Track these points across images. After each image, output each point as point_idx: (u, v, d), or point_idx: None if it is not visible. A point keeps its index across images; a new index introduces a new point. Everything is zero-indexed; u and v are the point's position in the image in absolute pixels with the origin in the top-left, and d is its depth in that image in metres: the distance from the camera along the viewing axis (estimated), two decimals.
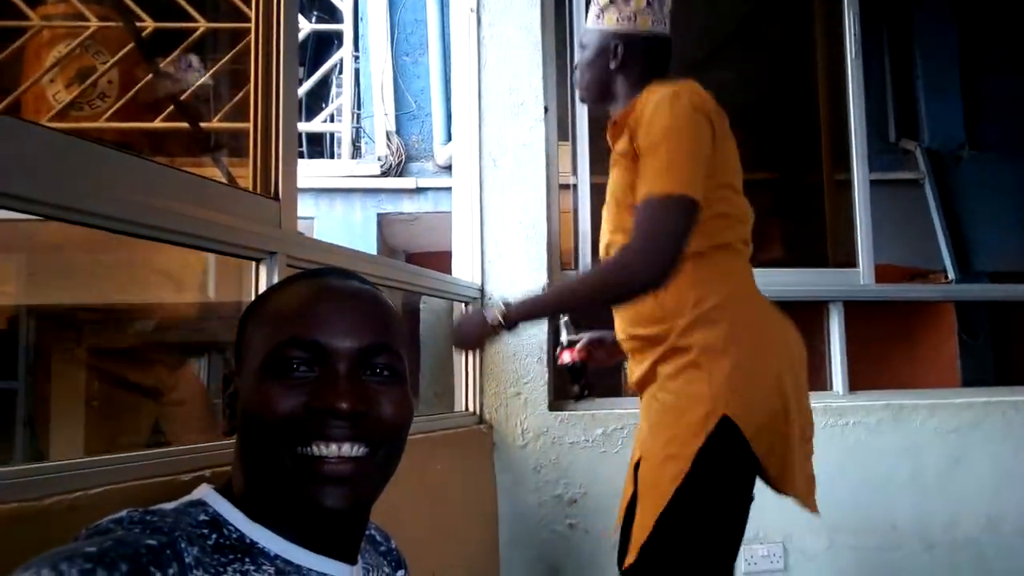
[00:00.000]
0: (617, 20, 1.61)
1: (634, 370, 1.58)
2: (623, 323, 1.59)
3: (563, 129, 2.50)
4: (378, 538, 0.90)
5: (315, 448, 0.68)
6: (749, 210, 1.59)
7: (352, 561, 0.76)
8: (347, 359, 0.71)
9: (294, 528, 0.70)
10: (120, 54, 2.58)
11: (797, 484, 1.47)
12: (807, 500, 1.51)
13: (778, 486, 1.47)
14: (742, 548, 2.17)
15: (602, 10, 1.63)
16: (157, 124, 2.60)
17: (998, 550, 2.37)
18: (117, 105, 2.69)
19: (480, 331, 1.58)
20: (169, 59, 2.37)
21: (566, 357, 1.85)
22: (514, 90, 2.34)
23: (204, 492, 0.72)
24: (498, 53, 2.35)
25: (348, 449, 0.69)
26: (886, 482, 2.36)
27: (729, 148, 1.55)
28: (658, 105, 1.47)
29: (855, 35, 2.74)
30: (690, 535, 1.41)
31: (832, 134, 3.08)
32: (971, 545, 2.37)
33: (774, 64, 3.58)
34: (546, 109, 2.35)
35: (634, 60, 1.61)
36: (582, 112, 2.49)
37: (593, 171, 2.48)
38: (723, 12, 3.68)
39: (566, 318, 1.86)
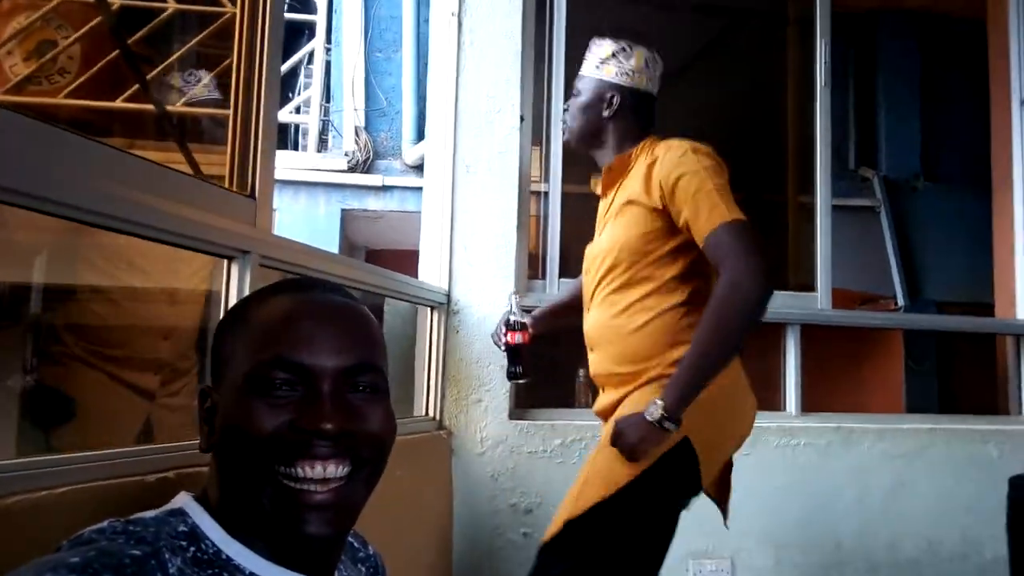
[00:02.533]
0: (616, 73, 1.71)
1: (604, 400, 1.66)
2: (603, 359, 1.64)
3: (535, 135, 2.50)
4: (355, 544, 0.89)
5: (299, 469, 0.67)
6: None
7: (328, 574, 0.75)
8: (332, 379, 0.70)
9: (270, 545, 0.69)
10: (83, 29, 2.50)
11: (726, 499, 1.66)
12: (724, 505, 1.66)
13: (717, 501, 1.66)
14: (691, 562, 2.25)
15: (603, 61, 1.73)
16: (120, 104, 2.53)
17: (938, 572, 2.45)
18: (78, 82, 2.61)
19: (648, 435, 1.45)
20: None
21: (516, 339, 1.88)
22: (491, 97, 2.34)
23: (183, 501, 0.71)
24: (477, 59, 2.34)
25: (333, 469, 0.68)
26: (833, 502, 2.42)
27: None
28: (684, 155, 1.56)
29: (825, 64, 2.80)
30: (621, 531, 1.48)
31: (797, 159, 3.15)
32: (912, 567, 2.43)
33: (743, 84, 3.63)
34: (522, 118, 2.36)
35: (626, 112, 1.71)
36: (557, 121, 2.49)
37: (565, 180, 2.49)
38: (695, 28, 3.73)
39: (515, 297, 1.90)
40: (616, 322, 1.61)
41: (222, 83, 2.35)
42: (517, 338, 1.89)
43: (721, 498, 1.66)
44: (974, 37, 3.40)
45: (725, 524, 1.67)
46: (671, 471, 1.48)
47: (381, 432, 0.73)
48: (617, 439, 1.47)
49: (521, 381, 1.91)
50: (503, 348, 1.92)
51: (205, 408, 0.75)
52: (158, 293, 2.06)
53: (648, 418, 1.43)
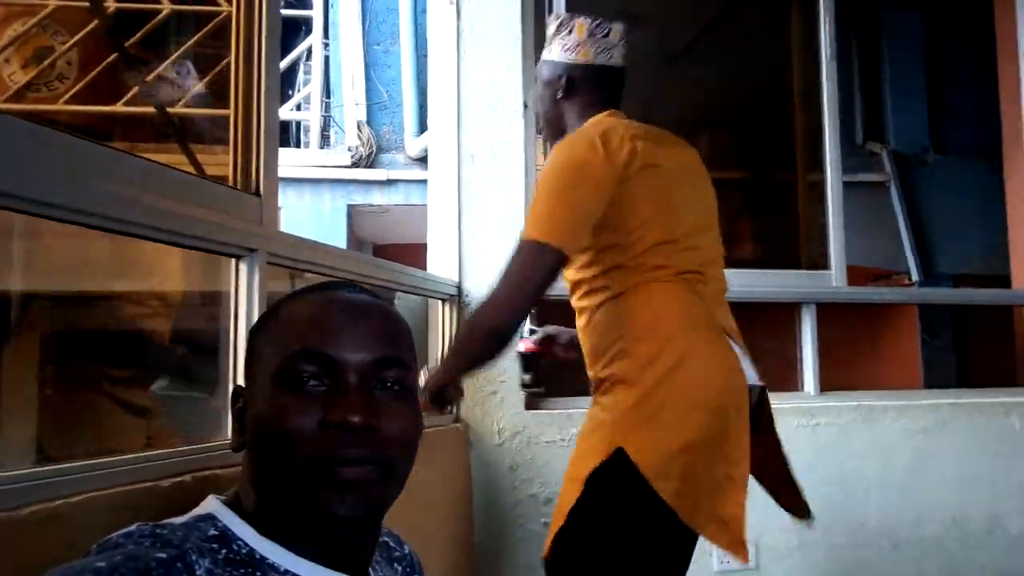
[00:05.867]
0: (561, 51, 1.63)
1: None
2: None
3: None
4: (391, 543, 0.89)
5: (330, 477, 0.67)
6: (703, 236, 1.57)
7: (363, 573, 0.75)
8: (358, 372, 0.70)
9: (305, 543, 0.69)
10: (80, 35, 2.49)
11: (708, 525, 1.39)
12: (726, 542, 1.40)
13: (690, 524, 1.38)
14: (713, 547, 2.21)
15: (549, 42, 1.65)
16: (120, 108, 2.52)
17: (963, 548, 2.42)
18: (77, 87, 2.60)
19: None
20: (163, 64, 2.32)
21: (520, 346, 1.87)
22: (493, 85, 2.31)
23: (212, 506, 0.71)
24: (477, 46, 2.31)
25: (360, 473, 0.68)
26: (856, 481, 2.39)
27: (661, 176, 1.52)
28: (557, 151, 1.51)
29: (830, 37, 2.76)
30: (581, 558, 1.43)
31: (806, 135, 3.11)
32: (937, 543, 2.41)
33: (749, 61, 3.59)
34: (525, 105, 2.32)
35: (577, 90, 1.62)
36: None
37: None
38: (698, 5, 3.67)
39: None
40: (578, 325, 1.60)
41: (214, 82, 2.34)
42: (522, 347, 1.87)
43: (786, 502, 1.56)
44: (977, 4, 3.35)
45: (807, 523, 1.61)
46: (616, 487, 1.39)
47: (405, 433, 0.72)
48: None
49: (534, 390, 1.88)
50: (515, 358, 1.89)
51: (237, 408, 0.75)
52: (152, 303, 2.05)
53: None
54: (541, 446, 2.20)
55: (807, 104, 3.00)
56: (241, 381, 0.79)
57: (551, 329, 1.89)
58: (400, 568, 0.87)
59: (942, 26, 4.79)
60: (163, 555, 0.59)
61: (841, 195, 2.70)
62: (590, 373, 1.55)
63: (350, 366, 0.70)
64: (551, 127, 1.68)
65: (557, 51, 1.64)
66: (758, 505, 1.64)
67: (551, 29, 1.66)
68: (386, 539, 0.88)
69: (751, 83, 3.57)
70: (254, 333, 0.77)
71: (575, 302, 1.59)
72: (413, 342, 0.79)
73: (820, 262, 2.74)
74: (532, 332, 1.89)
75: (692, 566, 1.51)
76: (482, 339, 1.46)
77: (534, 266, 1.42)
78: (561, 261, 1.43)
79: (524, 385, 1.90)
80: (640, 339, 1.44)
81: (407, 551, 0.90)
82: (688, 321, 1.47)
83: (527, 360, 1.88)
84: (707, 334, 1.48)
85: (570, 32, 1.62)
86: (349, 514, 0.68)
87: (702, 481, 1.39)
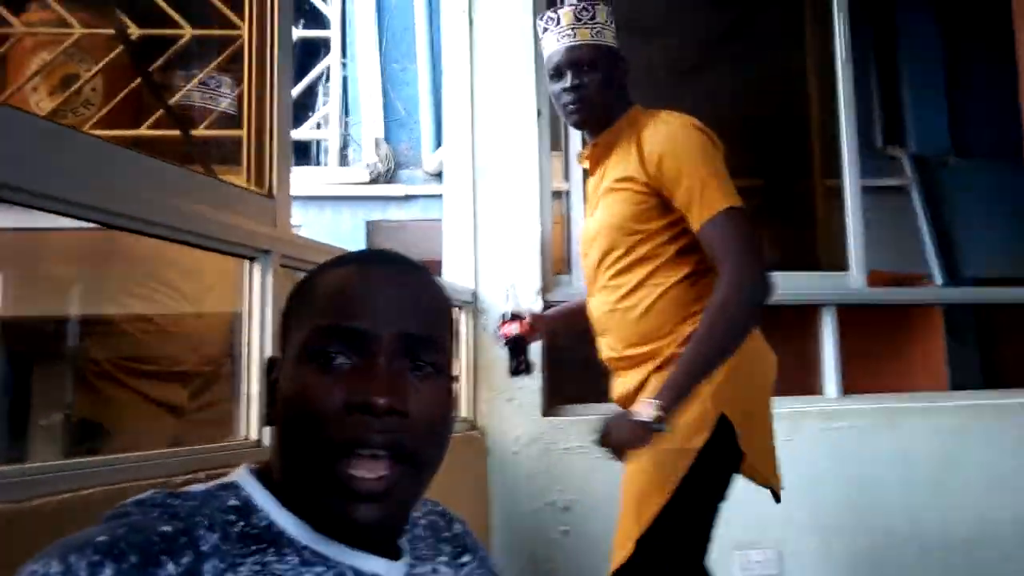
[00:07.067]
0: (613, 38, 1.65)
1: (620, 385, 1.62)
2: (614, 342, 1.61)
3: (555, 137, 2.49)
4: (440, 523, 0.84)
5: (352, 470, 0.64)
6: None
7: (394, 556, 0.71)
8: (387, 349, 0.66)
9: (328, 519, 0.66)
10: (104, 61, 2.55)
11: (775, 475, 1.59)
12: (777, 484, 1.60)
13: (763, 481, 1.57)
14: (736, 554, 2.20)
15: (603, 27, 1.63)
16: (144, 131, 2.57)
17: (990, 550, 2.37)
18: (102, 112, 2.66)
19: (637, 436, 1.43)
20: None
21: (511, 329, 1.80)
22: (507, 94, 2.34)
23: (239, 474, 0.68)
24: (491, 56, 2.34)
25: (384, 468, 0.64)
26: (879, 485, 2.35)
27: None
28: (673, 130, 1.54)
29: (845, 40, 2.76)
30: (691, 526, 1.49)
31: (822, 140, 3.09)
32: (965, 546, 2.36)
33: (763, 69, 3.58)
34: (539, 112, 2.35)
35: (624, 81, 1.66)
36: None
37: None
38: (711, 17, 3.68)
39: (512, 289, 1.88)
40: (624, 304, 1.57)
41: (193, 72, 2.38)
42: (512, 329, 1.80)
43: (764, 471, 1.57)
44: (994, 4, 3.32)
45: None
46: (717, 451, 1.47)
47: (435, 419, 0.68)
48: (604, 439, 1.47)
49: (525, 376, 1.83)
50: (502, 344, 1.82)
51: (271, 380, 0.72)
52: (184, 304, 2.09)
53: (640, 419, 1.42)
54: (558, 453, 2.20)
55: (824, 110, 2.99)
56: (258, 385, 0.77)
57: (530, 310, 1.92)
58: (449, 549, 0.81)
59: (959, 27, 4.74)
60: (168, 528, 0.57)
61: (859, 196, 2.68)
62: (648, 348, 1.54)
63: (380, 342, 0.66)
64: (598, 114, 1.64)
65: (611, 37, 1.63)
66: (781, 513, 1.64)
67: (601, 15, 1.63)
68: (436, 518, 0.83)
69: (765, 93, 3.56)
70: (289, 303, 0.74)
71: (634, 278, 1.57)
72: (452, 319, 0.75)
73: (840, 265, 2.71)
74: (514, 316, 1.82)
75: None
76: (757, 307, 1.47)
77: (749, 228, 1.47)
78: (747, 215, 1.50)
79: (515, 372, 1.82)
80: None
81: (458, 530, 0.84)
82: None
83: (513, 344, 1.81)
84: None
85: (613, 20, 1.64)
86: (370, 521, 0.64)
87: (770, 437, 1.58)
